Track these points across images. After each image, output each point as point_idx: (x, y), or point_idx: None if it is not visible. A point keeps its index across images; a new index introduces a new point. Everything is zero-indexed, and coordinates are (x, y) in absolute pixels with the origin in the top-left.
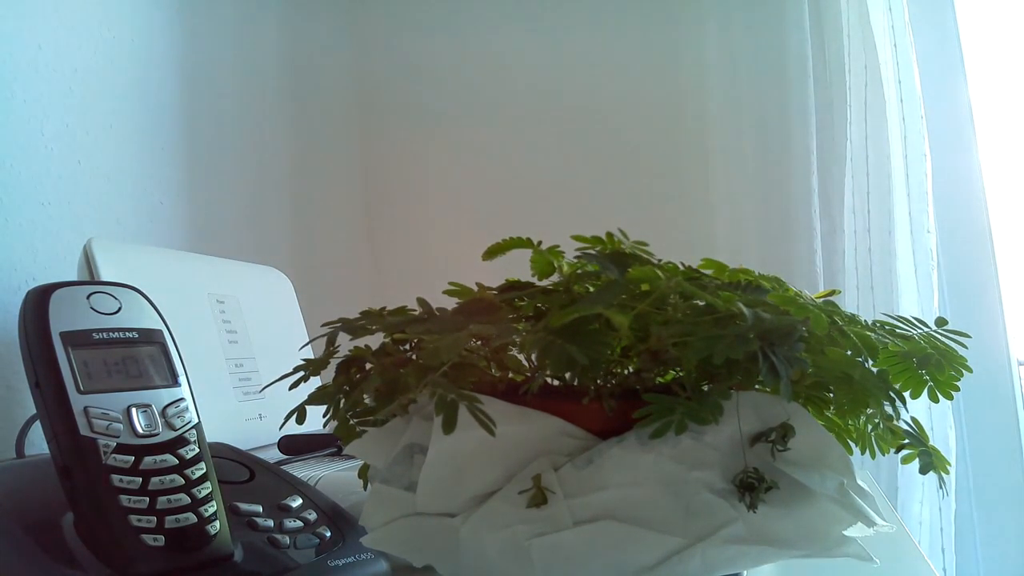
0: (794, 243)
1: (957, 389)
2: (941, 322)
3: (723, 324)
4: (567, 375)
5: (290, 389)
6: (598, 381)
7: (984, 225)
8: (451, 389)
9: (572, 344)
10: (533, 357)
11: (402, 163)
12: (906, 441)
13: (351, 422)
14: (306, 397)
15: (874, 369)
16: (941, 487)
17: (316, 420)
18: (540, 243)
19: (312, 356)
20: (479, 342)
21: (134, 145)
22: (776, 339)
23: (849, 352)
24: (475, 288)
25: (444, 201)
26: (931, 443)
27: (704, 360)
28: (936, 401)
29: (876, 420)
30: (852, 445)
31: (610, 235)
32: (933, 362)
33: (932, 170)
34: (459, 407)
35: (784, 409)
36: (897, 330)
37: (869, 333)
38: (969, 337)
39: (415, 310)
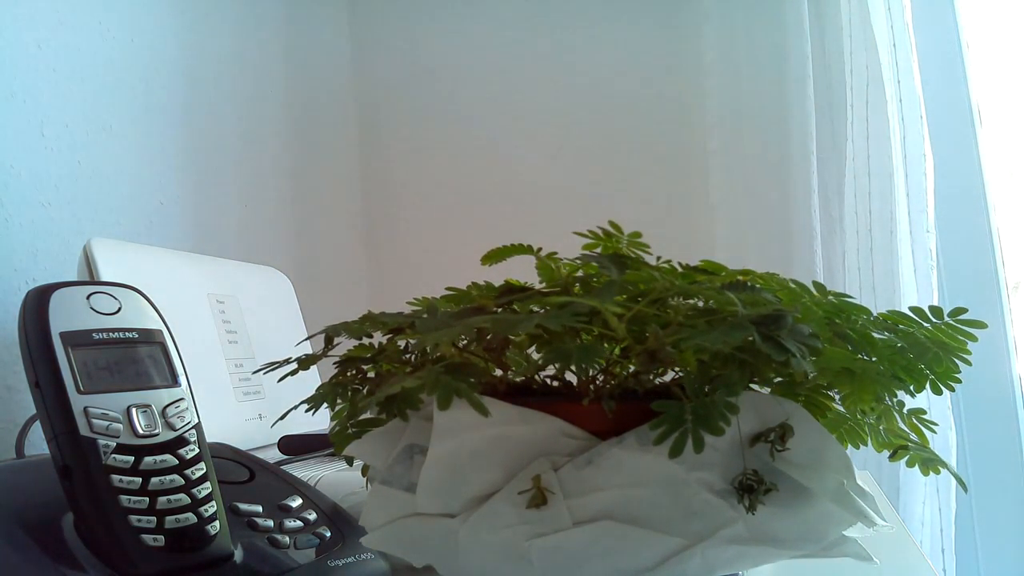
0: (794, 243)
1: (958, 381)
2: (957, 312)
3: (720, 322)
4: (566, 375)
5: (279, 381)
6: (598, 381)
7: (984, 225)
8: (447, 375)
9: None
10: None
11: (402, 163)
12: (907, 445)
13: (350, 430)
14: (302, 400)
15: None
16: (945, 472)
17: (316, 421)
18: (540, 249)
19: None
20: (479, 343)
21: (134, 145)
22: (772, 324)
23: (850, 348)
24: (472, 290)
25: (444, 201)
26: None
27: (700, 352)
28: (939, 393)
29: (886, 408)
30: (861, 443)
31: (607, 232)
32: (931, 356)
33: (932, 170)
34: (452, 393)
35: (783, 409)
36: (899, 326)
37: (870, 331)
38: (985, 327)
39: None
